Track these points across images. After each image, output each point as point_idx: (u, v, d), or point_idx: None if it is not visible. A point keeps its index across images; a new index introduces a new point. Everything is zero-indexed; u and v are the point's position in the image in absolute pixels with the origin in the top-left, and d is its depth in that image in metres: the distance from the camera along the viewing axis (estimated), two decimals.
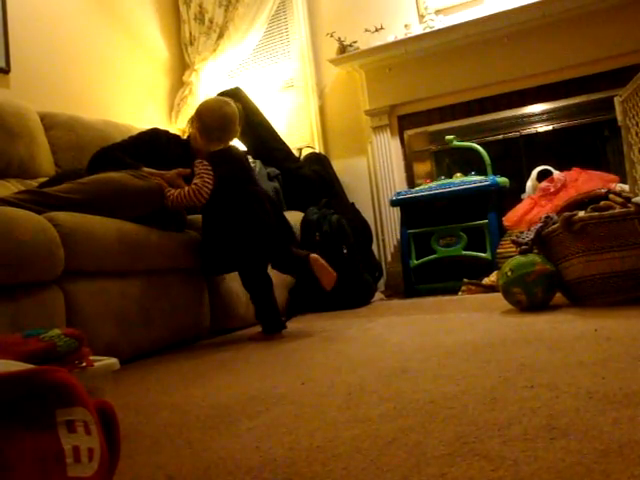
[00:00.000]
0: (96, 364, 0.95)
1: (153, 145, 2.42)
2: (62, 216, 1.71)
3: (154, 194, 2.05)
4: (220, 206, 2.13)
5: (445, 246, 3.25)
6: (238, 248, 2.11)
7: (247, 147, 3.57)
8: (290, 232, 2.25)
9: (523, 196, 3.05)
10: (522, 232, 2.17)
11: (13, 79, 2.95)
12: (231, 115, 2.30)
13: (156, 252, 2.03)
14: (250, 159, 3.40)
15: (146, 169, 2.14)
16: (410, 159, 3.84)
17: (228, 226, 2.11)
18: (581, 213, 1.91)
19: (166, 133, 2.57)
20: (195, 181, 2.11)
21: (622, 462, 0.62)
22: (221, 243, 2.14)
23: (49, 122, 2.69)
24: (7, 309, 1.47)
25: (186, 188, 2.09)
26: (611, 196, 1.94)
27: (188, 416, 1.07)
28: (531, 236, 2.04)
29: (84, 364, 0.92)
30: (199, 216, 2.38)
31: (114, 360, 1.01)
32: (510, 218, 2.81)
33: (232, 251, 2.13)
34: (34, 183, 2.44)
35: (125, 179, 1.98)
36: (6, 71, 2.92)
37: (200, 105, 2.41)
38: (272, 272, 2.24)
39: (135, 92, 3.78)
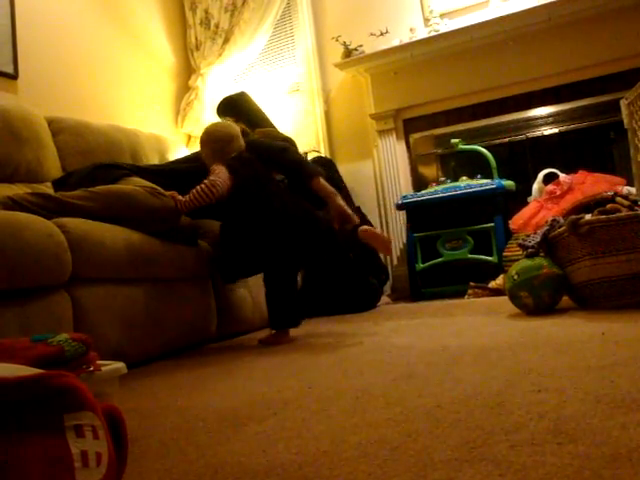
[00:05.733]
0: (103, 369, 0.95)
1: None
2: (72, 222, 1.72)
3: (167, 213, 2.03)
4: (240, 209, 2.11)
5: (451, 249, 3.24)
6: (265, 247, 2.09)
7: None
8: (316, 221, 2.17)
9: (529, 199, 3.05)
10: (528, 235, 2.17)
11: (21, 85, 2.97)
12: (212, 132, 2.30)
13: (164, 263, 2.04)
14: None
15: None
16: (416, 163, 3.84)
17: (250, 228, 2.09)
18: (588, 216, 1.90)
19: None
20: (205, 180, 2.09)
21: (631, 467, 0.61)
22: (243, 247, 2.13)
23: (56, 127, 2.71)
24: (15, 313, 1.48)
25: (197, 187, 2.08)
26: (618, 199, 1.94)
27: (195, 420, 1.07)
28: (537, 239, 2.04)
29: (91, 369, 0.92)
30: (207, 222, 2.39)
31: (121, 364, 1.02)
32: (516, 221, 2.80)
33: (257, 252, 2.11)
34: (42, 187, 2.45)
35: (140, 196, 1.97)
36: (14, 77, 2.94)
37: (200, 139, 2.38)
38: None
39: (141, 97, 3.80)
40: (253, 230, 2.10)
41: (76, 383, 0.60)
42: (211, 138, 2.29)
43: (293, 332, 2.14)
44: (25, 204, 1.75)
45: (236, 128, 2.34)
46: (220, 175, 2.09)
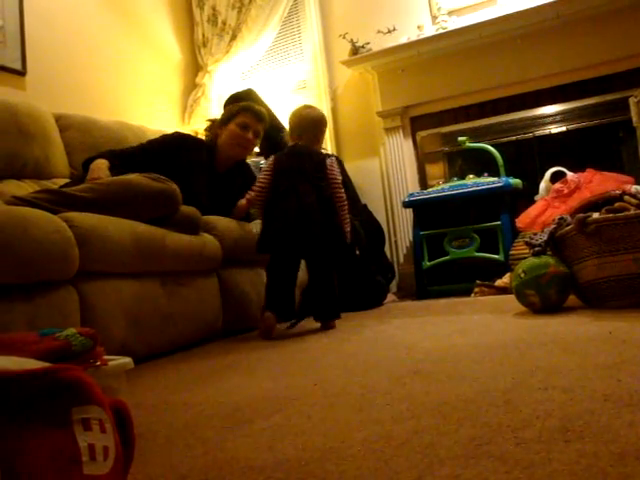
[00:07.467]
0: (110, 363, 0.96)
1: (167, 150, 2.47)
2: (78, 217, 1.72)
3: (170, 197, 2.06)
4: (276, 194, 2.25)
5: (458, 248, 3.23)
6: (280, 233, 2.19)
7: (259, 149, 3.57)
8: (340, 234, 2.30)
9: (536, 197, 3.03)
10: (535, 233, 2.16)
11: (29, 81, 2.99)
12: (306, 116, 2.42)
13: (170, 255, 2.04)
14: (263, 161, 3.41)
15: None
16: (423, 160, 3.83)
17: (275, 211, 2.23)
18: (595, 214, 1.89)
19: (185, 137, 2.63)
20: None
21: (639, 465, 0.61)
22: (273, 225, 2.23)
23: (64, 123, 2.72)
24: (22, 308, 1.49)
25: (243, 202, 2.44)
26: (626, 197, 1.92)
27: (201, 416, 1.08)
28: (544, 238, 2.03)
29: (98, 363, 0.92)
30: (213, 217, 2.41)
31: (128, 359, 1.02)
32: (523, 220, 2.79)
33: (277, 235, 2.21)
34: (49, 184, 2.46)
35: (142, 181, 2.00)
36: (22, 73, 2.95)
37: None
38: None
39: (149, 94, 3.81)
40: (276, 212, 2.23)
41: (83, 377, 0.60)
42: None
43: (297, 329, 2.15)
44: (32, 200, 1.77)
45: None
46: (254, 190, 2.33)
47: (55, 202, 1.79)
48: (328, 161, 2.31)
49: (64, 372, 0.59)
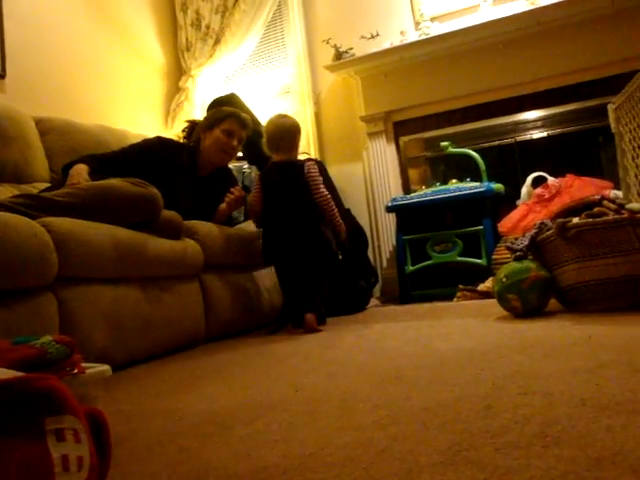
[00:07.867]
0: (88, 371, 0.94)
1: (149, 155, 2.47)
2: (56, 221, 1.70)
3: (150, 201, 2.04)
4: (266, 209, 2.44)
5: (440, 252, 3.25)
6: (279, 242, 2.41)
7: (242, 153, 3.57)
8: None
9: (518, 202, 3.06)
10: (517, 238, 2.17)
11: (9, 84, 2.95)
12: (281, 126, 2.48)
13: (151, 260, 2.02)
14: (245, 165, 3.41)
15: None
16: (405, 165, 3.85)
17: (267, 226, 2.45)
18: (575, 219, 1.91)
19: (166, 142, 2.62)
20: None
21: (615, 470, 0.61)
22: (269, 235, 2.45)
23: (44, 127, 2.69)
24: (0, 315, 1.46)
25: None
26: (605, 202, 1.95)
27: (181, 423, 1.07)
28: (526, 242, 2.04)
29: (75, 371, 0.91)
30: (195, 222, 2.40)
31: (106, 367, 1.01)
32: (505, 224, 2.82)
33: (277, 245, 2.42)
34: (29, 188, 2.43)
35: (122, 186, 1.98)
36: (1, 76, 2.92)
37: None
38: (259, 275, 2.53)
39: (131, 97, 3.78)
40: (273, 223, 2.43)
41: (57, 385, 0.59)
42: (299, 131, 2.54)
43: (282, 334, 2.15)
44: (8, 205, 1.74)
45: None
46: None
47: (33, 207, 1.77)
48: (306, 166, 2.36)
49: (37, 381, 0.58)
